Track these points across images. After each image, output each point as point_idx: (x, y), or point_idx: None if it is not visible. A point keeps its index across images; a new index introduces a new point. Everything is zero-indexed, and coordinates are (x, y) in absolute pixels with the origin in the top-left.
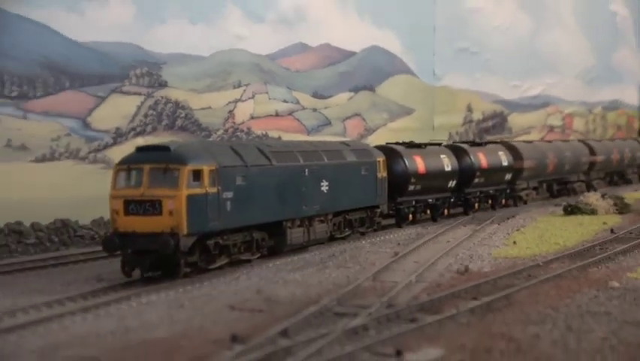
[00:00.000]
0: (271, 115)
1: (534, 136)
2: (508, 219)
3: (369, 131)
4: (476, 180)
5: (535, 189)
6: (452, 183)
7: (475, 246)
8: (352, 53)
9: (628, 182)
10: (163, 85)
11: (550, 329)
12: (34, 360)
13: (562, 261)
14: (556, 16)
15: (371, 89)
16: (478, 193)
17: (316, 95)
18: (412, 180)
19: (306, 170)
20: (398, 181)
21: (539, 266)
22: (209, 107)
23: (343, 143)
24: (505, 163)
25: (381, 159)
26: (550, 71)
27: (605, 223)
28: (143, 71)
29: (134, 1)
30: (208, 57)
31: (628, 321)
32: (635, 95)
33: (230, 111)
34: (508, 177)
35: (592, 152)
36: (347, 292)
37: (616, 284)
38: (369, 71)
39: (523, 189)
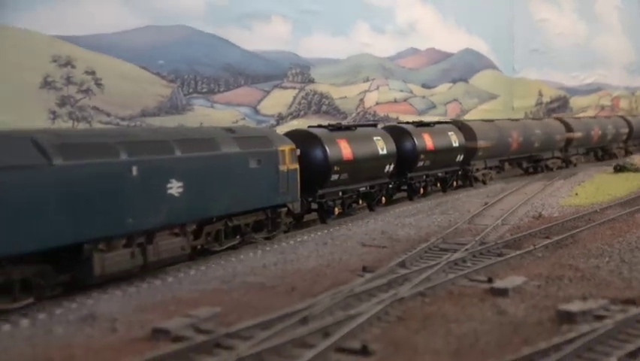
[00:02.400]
0: (391, 101)
1: (590, 113)
2: (571, 176)
3: (464, 112)
4: (420, 164)
5: (495, 168)
6: (389, 168)
7: (546, 197)
8: (451, 54)
9: (613, 156)
10: (311, 81)
11: (607, 261)
12: (218, 284)
13: (614, 208)
14: (606, 23)
15: (465, 80)
16: (423, 177)
17: (424, 86)
18: (335, 168)
19: (134, 168)
20: (318, 171)
21: (597, 212)
22: (345, 97)
23: (227, 129)
24: (455, 144)
25: (286, 147)
26: (602, 64)
27: None
28: (297, 72)
29: (290, 20)
30: (344, 60)
31: None
32: None
33: (361, 99)
34: (459, 158)
35: (568, 129)
36: (449, 233)
37: None
38: (464, 67)
39: (479, 170)
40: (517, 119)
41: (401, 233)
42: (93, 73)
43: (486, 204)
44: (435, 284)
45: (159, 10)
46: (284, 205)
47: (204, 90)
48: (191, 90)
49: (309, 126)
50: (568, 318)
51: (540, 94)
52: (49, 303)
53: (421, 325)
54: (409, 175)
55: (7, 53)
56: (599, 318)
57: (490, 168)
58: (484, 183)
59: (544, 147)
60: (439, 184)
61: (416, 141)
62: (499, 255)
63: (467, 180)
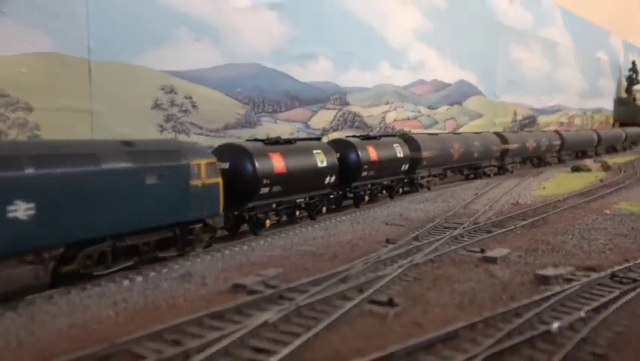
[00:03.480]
0: (405, 119)
1: (552, 127)
2: (538, 175)
3: (459, 126)
4: (365, 173)
5: (439, 175)
6: (331, 179)
7: (520, 190)
8: (449, 84)
9: (547, 164)
10: (347, 104)
11: (570, 238)
12: (280, 251)
13: (574, 198)
14: (564, 61)
15: (460, 103)
16: (369, 185)
17: (429, 107)
18: (265, 181)
19: None
20: (247, 184)
21: (560, 201)
22: (372, 115)
23: (125, 142)
24: (400, 155)
25: (202, 161)
26: (561, 91)
27: (596, 177)
28: (336, 97)
29: (332, 60)
30: (371, 88)
31: (617, 233)
32: (610, 105)
33: (383, 117)
34: (405, 167)
35: (504, 141)
36: (450, 215)
37: (607, 211)
38: (459, 94)
39: (424, 177)
40: (459, 133)
41: (414, 215)
42: (190, 98)
43: (476, 194)
44: (441, 253)
45: (238, 52)
46: (200, 221)
47: (270, 110)
48: (260, 110)
49: (246, 139)
50: (544, 281)
51: (515, 113)
52: (158, 264)
53: (432, 284)
54: (354, 184)
55: (129, 83)
56: (568, 281)
57: (435, 176)
58: (429, 188)
59: (482, 156)
60: (384, 191)
61: (360, 153)
62: (488, 232)
63: (414, 186)
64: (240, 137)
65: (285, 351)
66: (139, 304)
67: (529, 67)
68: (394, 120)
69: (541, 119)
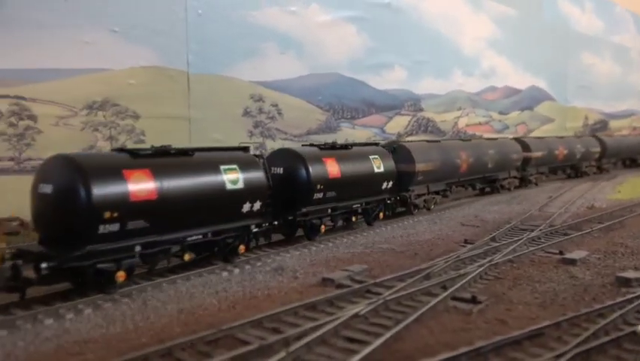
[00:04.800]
0: (477, 124)
1: (625, 132)
2: (612, 179)
3: (530, 131)
4: (318, 196)
5: (441, 192)
6: (387, 185)
7: (595, 193)
8: (520, 90)
9: (584, 174)
10: (421, 110)
11: None
12: (363, 248)
13: None
14: (636, 66)
15: (531, 109)
16: (328, 211)
17: (501, 113)
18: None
19: None
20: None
21: (637, 205)
22: (444, 121)
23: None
24: (378, 169)
25: None
26: (632, 96)
27: None
28: (411, 103)
29: (406, 68)
30: (444, 95)
31: None
32: None
33: (455, 122)
34: (386, 185)
35: (526, 148)
36: (525, 217)
37: None
38: (530, 99)
39: (421, 195)
40: (467, 140)
41: (489, 217)
42: (276, 105)
43: (550, 197)
44: (520, 254)
45: (319, 64)
46: None
47: (348, 116)
48: (339, 117)
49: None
50: (625, 283)
51: (586, 118)
52: (253, 258)
53: (513, 283)
54: (304, 210)
55: (221, 93)
56: None
57: (436, 193)
58: (428, 209)
59: (499, 166)
60: (354, 218)
61: (311, 169)
62: (565, 234)
63: (407, 207)
64: (320, 141)
65: (378, 342)
66: (238, 293)
67: (600, 72)
68: (466, 125)
69: (613, 124)
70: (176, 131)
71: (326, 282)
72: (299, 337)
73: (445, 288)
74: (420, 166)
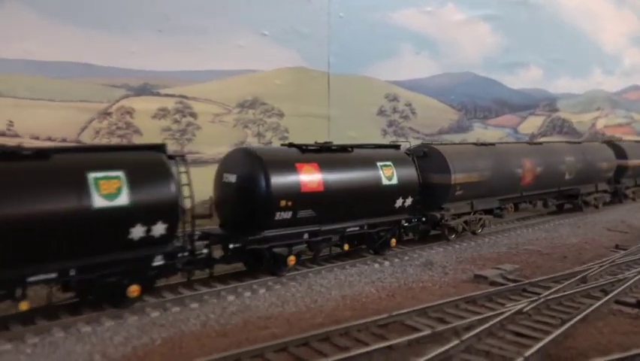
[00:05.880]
0: (616, 125)
1: None
2: None
3: None
4: (285, 215)
5: (495, 210)
6: (404, 202)
7: None
8: None
9: None
10: (556, 110)
11: None
12: (507, 249)
13: None
14: None
15: None
16: (304, 236)
17: None
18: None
19: None
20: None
21: None
22: (581, 122)
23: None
24: (390, 181)
25: None
26: None
27: None
28: (546, 103)
29: (542, 67)
30: (581, 94)
31: None
32: None
33: (593, 123)
34: (402, 202)
35: (620, 154)
36: None
37: None
38: None
39: (461, 215)
40: (537, 143)
41: (637, 223)
42: (410, 105)
43: None
44: None
45: (452, 63)
46: None
47: (480, 116)
48: (471, 116)
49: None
50: None
51: None
52: (399, 252)
53: None
54: (264, 234)
55: (358, 92)
56: None
57: (487, 212)
58: (473, 233)
59: (581, 178)
60: (347, 246)
61: (272, 178)
62: None
63: (439, 229)
64: (453, 141)
65: (549, 338)
66: (394, 284)
67: None
68: (605, 127)
69: None
70: (316, 128)
71: (479, 279)
72: (467, 328)
73: (604, 292)
74: (458, 177)
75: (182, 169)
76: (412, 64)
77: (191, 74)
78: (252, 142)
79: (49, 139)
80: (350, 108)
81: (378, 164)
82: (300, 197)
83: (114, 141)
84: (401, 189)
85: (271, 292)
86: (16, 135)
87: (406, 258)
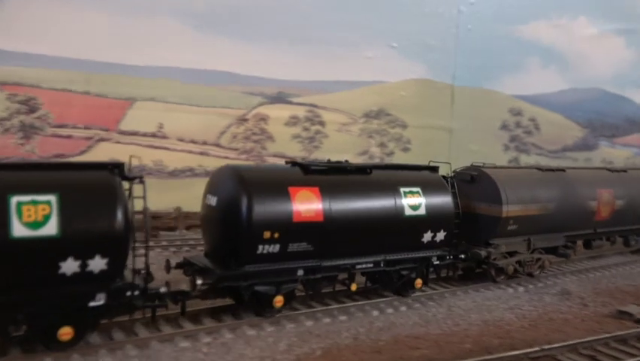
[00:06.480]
0: None
1: None
2: None
3: None
4: (267, 249)
5: (561, 248)
6: (434, 236)
7: None
8: None
9: None
10: None
11: None
12: None
13: None
14: None
15: None
16: (298, 273)
17: None
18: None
19: None
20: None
21: None
22: None
23: None
24: (416, 211)
25: None
26: None
27: None
28: None
29: None
30: None
31: None
32: None
33: None
34: (433, 235)
35: None
36: None
37: None
38: None
39: (513, 254)
40: (618, 170)
41: None
42: (534, 120)
43: None
44: None
45: (580, 78)
46: None
47: (608, 134)
48: (598, 134)
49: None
50: None
51: None
52: (532, 279)
53: None
54: (244, 270)
55: (482, 106)
56: None
57: (548, 250)
58: (530, 275)
59: None
60: (353, 286)
61: (255, 205)
62: None
63: (484, 267)
64: (577, 159)
65: None
66: (533, 313)
67: None
68: None
69: None
70: (437, 141)
71: (622, 315)
72: None
73: None
74: (512, 209)
75: (139, 193)
76: (538, 78)
77: (322, 84)
78: (375, 152)
79: (192, 141)
80: (472, 121)
81: (402, 190)
82: (291, 228)
83: (249, 145)
84: (431, 221)
85: (412, 310)
86: (164, 137)
87: (540, 285)
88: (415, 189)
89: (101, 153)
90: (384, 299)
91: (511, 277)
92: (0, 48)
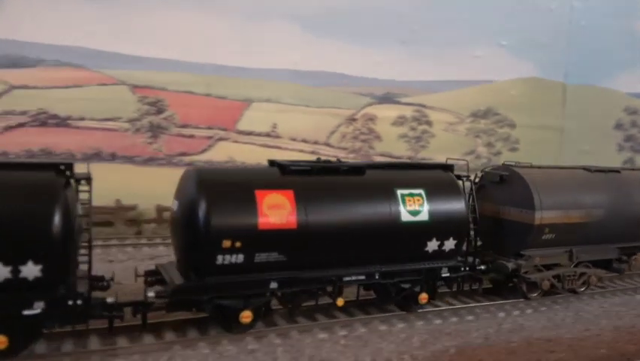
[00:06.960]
0: None
1: None
2: None
3: None
4: (229, 259)
5: (604, 262)
6: (442, 245)
7: None
8: None
9: None
10: None
11: None
12: None
13: None
14: None
15: None
16: (270, 286)
17: None
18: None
19: None
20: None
21: None
22: None
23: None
24: (416, 216)
25: None
26: None
27: None
28: None
29: None
30: None
31: None
32: None
33: None
34: (440, 244)
35: None
36: None
37: None
38: None
39: (550, 267)
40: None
41: None
42: None
43: None
44: None
45: None
46: None
47: None
48: None
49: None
50: None
51: None
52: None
53: None
54: (207, 281)
55: (594, 104)
56: None
57: (595, 264)
58: (573, 291)
59: None
60: (340, 301)
61: (213, 210)
62: None
63: (519, 286)
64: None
65: None
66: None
67: None
68: None
69: None
70: (547, 141)
71: None
72: None
73: None
74: (547, 215)
75: (84, 196)
76: None
77: (430, 83)
78: (482, 151)
79: (304, 141)
80: (585, 121)
81: (399, 192)
82: (256, 236)
83: (357, 145)
84: (436, 228)
85: (539, 313)
86: (278, 137)
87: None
88: (416, 192)
89: (221, 152)
90: (509, 301)
91: (547, 293)
92: (134, 54)
